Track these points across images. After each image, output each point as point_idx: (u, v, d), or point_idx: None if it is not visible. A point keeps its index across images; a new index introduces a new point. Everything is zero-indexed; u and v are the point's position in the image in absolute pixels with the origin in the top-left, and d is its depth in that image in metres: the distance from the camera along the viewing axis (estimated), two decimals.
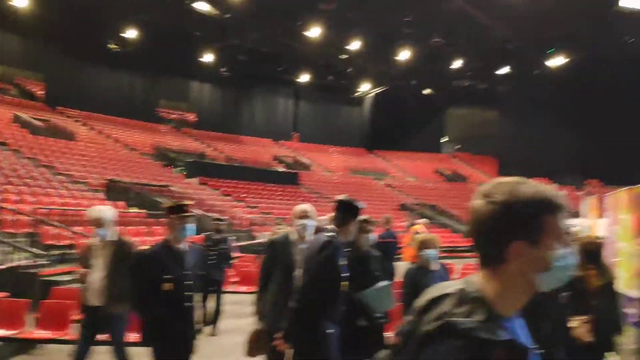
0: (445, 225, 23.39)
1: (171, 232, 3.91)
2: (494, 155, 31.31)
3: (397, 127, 31.99)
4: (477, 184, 25.65)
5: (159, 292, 3.75)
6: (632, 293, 4.77)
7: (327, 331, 3.52)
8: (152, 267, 3.79)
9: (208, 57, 27.71)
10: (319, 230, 4.06)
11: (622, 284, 4.92)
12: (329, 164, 30.37)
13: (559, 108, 27.76)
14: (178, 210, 3.92)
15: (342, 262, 3.58)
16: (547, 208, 1.21)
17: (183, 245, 3.93)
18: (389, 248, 7.26)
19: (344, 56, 27.32)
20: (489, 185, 1.25)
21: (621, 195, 5.71)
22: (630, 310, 4.78)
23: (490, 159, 31.41)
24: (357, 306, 3.89)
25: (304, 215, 4.15)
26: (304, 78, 31.21)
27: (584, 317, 4.09)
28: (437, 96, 31.77)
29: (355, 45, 25.73)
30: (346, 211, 3.74)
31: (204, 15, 22.77)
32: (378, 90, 33.37)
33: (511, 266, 1.21)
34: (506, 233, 1.20)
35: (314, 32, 24.11)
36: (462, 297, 1.21)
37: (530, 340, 1.32)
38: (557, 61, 25.78)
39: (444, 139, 34.66)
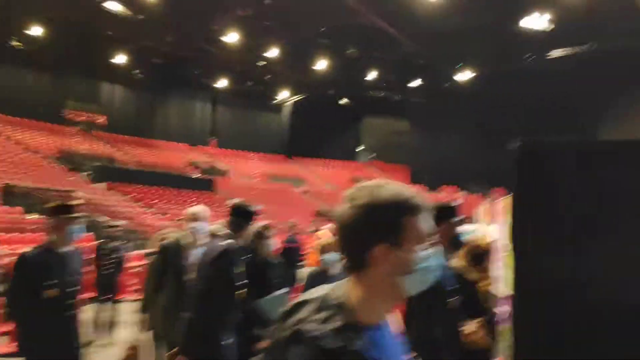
0: None
1: (56, 234, 3.67)
2: (406, 164, 32.35)
3: (315, 135, 32.28)
4: None
5: (40, 299, 3.51)
6: (508, 292, 5.00)
7: (223, 342, 3.43)
8: (33, 272, 3.54)
9: (120, 58, 26.69)
10: (214, 235, 3.98)
11: (507, 285, 5.19)
12: (247, 170, 30.13)
13: (467, 119, 29.14)
14: (64, 211, 3.69)
15: (239, 269, 3.51)
16: (407, 209, 1.21)
17: (68, 249, 3.71)
18: (292, 254, 7.27)
19: (263, 63, 27.27)
20: (352, 190, 1.25)
21: (509, 201, 6.02)
22: (504, 309, 5.03)
23: (402, 168, 32.41)
24: (254, 314, 3.84)
25: (195, 218, 4.02)
26: (222, 83, 30.82)
27: (478, 321, 4.23)
28: (354, 106, 32.42)
29: (273, 52, 25.78)
30: (241, 216, 3.68)
31: (116, 15, 21.95)
32: (297, 98, 33.57)
33: (375, 271, 1.20)
34: (368, 236, 1.19)
35: (232, 37, 23.91)
36: (323, 304, 1.20)
37: (402, 349, 1.33)
38: (465, 76, 27.12)
39: (360, 148, 35.34)
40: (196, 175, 26.05)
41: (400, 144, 32.79)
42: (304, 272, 6.57)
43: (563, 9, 19.71)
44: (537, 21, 21.09)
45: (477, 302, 4.24)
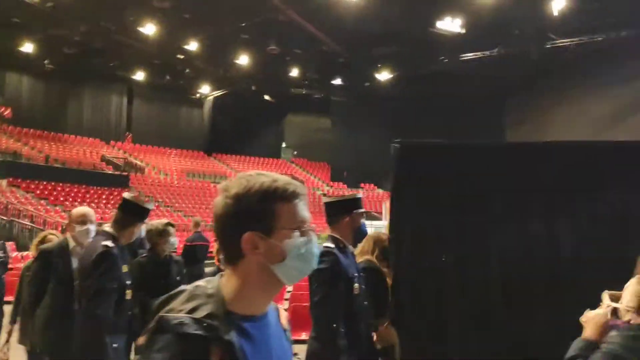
0: None
1: None
2: (328, 161, 32.73)
3: (237, 131, 31.94)
4: (312, 189, 26.14)
5: None
6: None
7: (112, 345, 3.30)
8: None
9: (28, 47, 25.14)
10: (96, 233, 3.78)
11: None
12: (165, 166, 29.30)
13: (385, 118, 29.82)
14: None
15: (124, 269, 3.38)
16: (279, 197, 1.19)
17: None
18: (197, 251, 7.14)
19: (182, 57, 26.59)
20: (228, 181, 1.22)
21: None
22: None
23: (323, 165, 32.76)
24: (153, 314, 3.71)
25: (85, 220, 3.80)
26: (139, 76, 29.76)
27: (387, 316, 4.28)
28: (277, 103, 32.35)
29: (193, 46, 25.19)
30: (130, 212, 3.51)
31: (23, 1, 20.63)
32: (218, 93, 33.05)
33: (248, 260, 1.18)
34: (239, 226, 1.17)
35: (149, 29, 23.14)
36: (194, 294, 1.17)
37: (286, 344, 1.31)
38: (384, 76, 27.73)
39: (283, 145, 35.37)
40: (110, 171, 25.04)
41: (322, 141, 33.10)
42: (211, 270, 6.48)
43: (475, 14, 20.61)
44: (450, 25, 21.90)
45: (385, 297, 4.32)
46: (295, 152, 34.80)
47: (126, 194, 3.58)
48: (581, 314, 2.20)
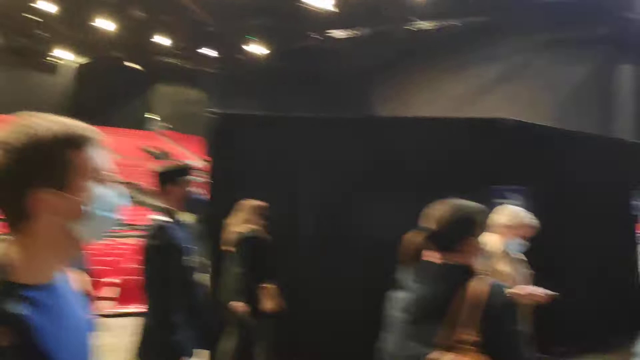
0: (148, 204, 22.88)
1: None
2: (199, 134, 32.02)
3: (99, 100, 29.99)
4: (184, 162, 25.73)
5: None
6: None
7: None
8: None
9: None
10: None
11: None
12: None
13: (258, 92, 29.71)
14: None
15: None
16: (71, 143, 1.03)
17: None
18: None
19: (33, 16, 24.23)
20: (3, 131, 1.02)
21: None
22: None
23: (196, 138, 31.97)
24: None
25: None
26: None
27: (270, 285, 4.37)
28: (143, 72, 30.83)
29: (48, 6, 23.03)
30: None
31: None
32: (78, 59, 30.71)
33: (38, 221, 1.01)
34: (22, 182, 1.00)
35: None
36: None
37: (84, 308, 1.17)
38: (257, 49, 27.47)
39: (151, 116, 33.90)
40: None
41: (195, 114, 32.19)
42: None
43: None
44: (320, 1, 22.05)
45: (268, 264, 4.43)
46: (164, 124, 33.49)
47: None
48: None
